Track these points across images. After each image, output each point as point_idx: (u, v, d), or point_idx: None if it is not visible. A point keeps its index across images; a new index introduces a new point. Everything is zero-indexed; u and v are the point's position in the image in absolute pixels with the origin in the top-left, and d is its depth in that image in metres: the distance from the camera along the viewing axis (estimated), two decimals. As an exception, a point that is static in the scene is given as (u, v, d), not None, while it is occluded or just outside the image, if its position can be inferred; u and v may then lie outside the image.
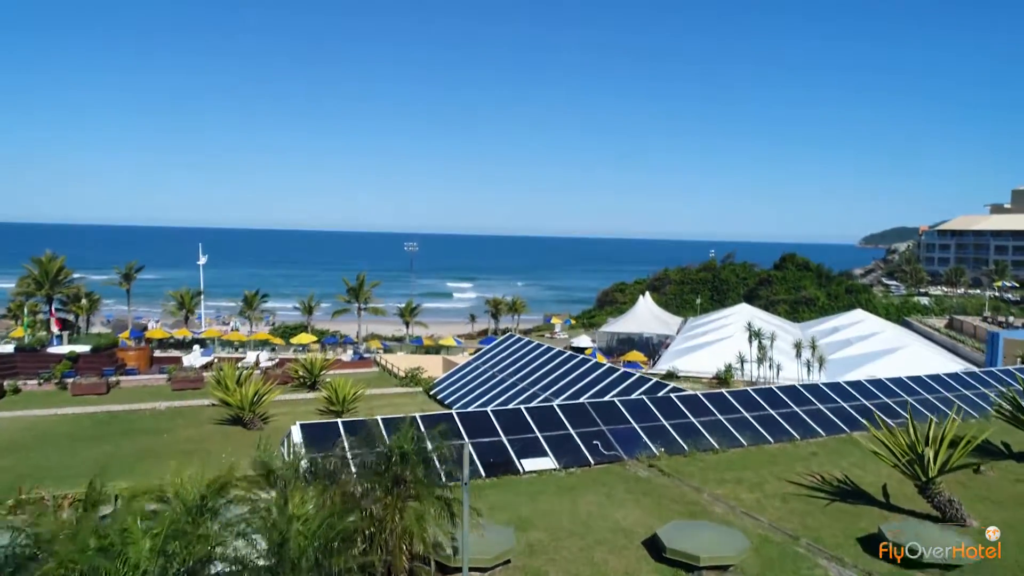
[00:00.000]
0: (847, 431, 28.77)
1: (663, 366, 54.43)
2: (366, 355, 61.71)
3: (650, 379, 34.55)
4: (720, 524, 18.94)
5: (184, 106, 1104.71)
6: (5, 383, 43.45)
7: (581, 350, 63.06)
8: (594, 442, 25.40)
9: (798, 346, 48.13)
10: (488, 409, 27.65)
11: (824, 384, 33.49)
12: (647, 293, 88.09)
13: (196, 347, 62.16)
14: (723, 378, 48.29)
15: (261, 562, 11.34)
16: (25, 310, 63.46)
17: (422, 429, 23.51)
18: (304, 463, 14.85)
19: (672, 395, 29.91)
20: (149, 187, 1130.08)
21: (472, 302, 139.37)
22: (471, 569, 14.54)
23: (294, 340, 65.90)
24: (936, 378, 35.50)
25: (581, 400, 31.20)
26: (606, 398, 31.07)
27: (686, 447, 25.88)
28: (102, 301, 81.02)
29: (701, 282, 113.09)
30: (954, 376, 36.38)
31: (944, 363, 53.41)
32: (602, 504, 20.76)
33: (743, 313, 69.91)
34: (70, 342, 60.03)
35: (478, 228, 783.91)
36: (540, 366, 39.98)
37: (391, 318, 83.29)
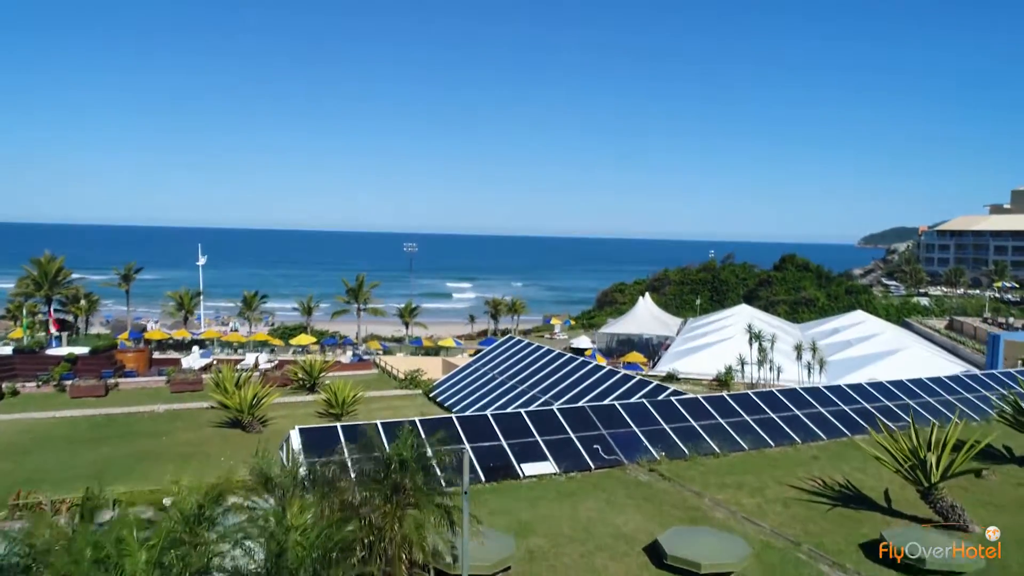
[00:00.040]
0: (848, 434, 28.68)
1: (663, 368, 54.34)
2: (365, 357, 61.59)
3: (650, 382, 34.44)
4: (721, 530, 18.83)
5: (184, 106, 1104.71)
6: (3, 385, 43.32)
7: (581, 351, 62.96)
8: (594, 446, 25.31)
9: (799, 348, 48.02)
10: (488, 413, 27.55)
11: (825, 387, 33.41)
12: (647, 294, 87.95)
13: (195, 348, 62.04)
14: (723, 380, 48.20)
15: (259, 573, 11.23)
16: (24, 311, 63.30)
17: (422, 434, 23.44)
18: (303, 470, 14.74)
19: (672, 398, 29.81)
20: (149, 187, 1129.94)
21: (471, 302, 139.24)
22: (471, 577, 14.43)
23: (293, 341, 65.76)
24: (937, 381, 35.40)
25: (581, 403, 31.08)
26: (606, 401, 30.96)
27: (687, 451, 25.78)
28: (101, 301, 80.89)
29: (701, 283, 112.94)
30: (955, 379, 36.29)
31: (945, 365, 53.33)
32: (602, 509, 20.66)
33: (743, 314, 69.80)
34: (69, 343, 59.88)
35: (478, 228, 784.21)
36: (540, 368, 39.86)
37: (390, 319, 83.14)
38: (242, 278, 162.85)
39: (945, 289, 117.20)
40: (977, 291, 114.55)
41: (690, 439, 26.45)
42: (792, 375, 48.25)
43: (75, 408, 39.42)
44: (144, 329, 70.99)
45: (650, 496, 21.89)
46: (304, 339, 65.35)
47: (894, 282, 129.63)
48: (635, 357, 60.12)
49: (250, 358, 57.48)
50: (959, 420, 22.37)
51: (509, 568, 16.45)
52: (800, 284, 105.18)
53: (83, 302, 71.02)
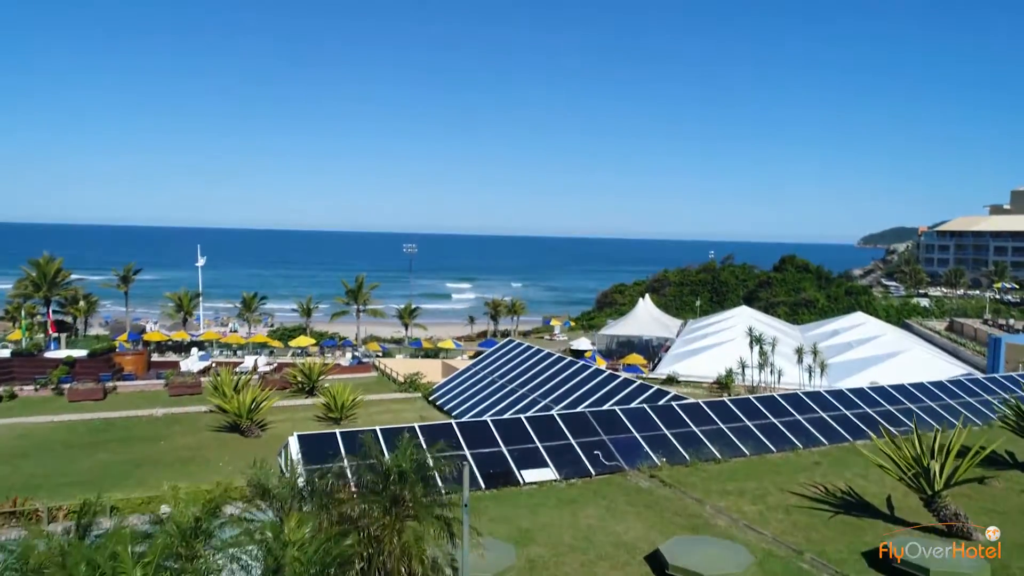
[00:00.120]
0: (850, 440, 28.51)
1: (663, 370, 54.20)
2: (365, 359, 61.44)
3: (651, 386, 34.29)
4: (723, 539, 18.69)
5: (184, 107, 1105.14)
6: (1, 389, 43.14)
7: (580, 353, 62.79)
8: (595, 452, 25.16)
9: (799, 351, 47.91)
10: (488, 419, 27.40)
11: (826, 391, 33.26)
12: (647, 295, 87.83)
13: (194, 350, 61.94)
14: (724, 383, 48.06)
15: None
16: (23, 312, 63.13)
17: (421, 441, 23.29)
18: (301, 480, 14.58)
19: (673, 403, 29.66)
20: (149, 188, 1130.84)
21: (471, 303, 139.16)
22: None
23: (293, 343, 65.65)
24: (939, 385, 35.27)
25: (581, 408, 30.97)
26: (606, 406, 30.83)
27: (688, 457, 25.62)
28: (100, 302, 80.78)
29: (700, 284, 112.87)
30: (957, 383, 36.15)
31: (945, 367, 53.20)
32: (603, 517, 20.51)
33: (743, 316, 69.69)
34: (68, 345, 59.79)
35: (477, 228, 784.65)
36: (539, 372, 39.71)
37: (390, 320, 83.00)
38: (241, 279, 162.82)
39: (945, 290, 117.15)
40: (977, 292, 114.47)
41: (691, 445, 26.30)
42: (793, 378, 48.12)
43: (73, 412, 39.23)
44: (143, 330, 70.88)
45: (651, 503, 21.74)
46: (303, 341, 65.25)
47: (894, 283, 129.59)
48: (635, 359, 60.01)
49: (249, 361, 57.36)
50: (962, 427, 22.22)
51: (509, 578, 16.31)
52: (800, 285, 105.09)
53: (82, 303, 70.89)
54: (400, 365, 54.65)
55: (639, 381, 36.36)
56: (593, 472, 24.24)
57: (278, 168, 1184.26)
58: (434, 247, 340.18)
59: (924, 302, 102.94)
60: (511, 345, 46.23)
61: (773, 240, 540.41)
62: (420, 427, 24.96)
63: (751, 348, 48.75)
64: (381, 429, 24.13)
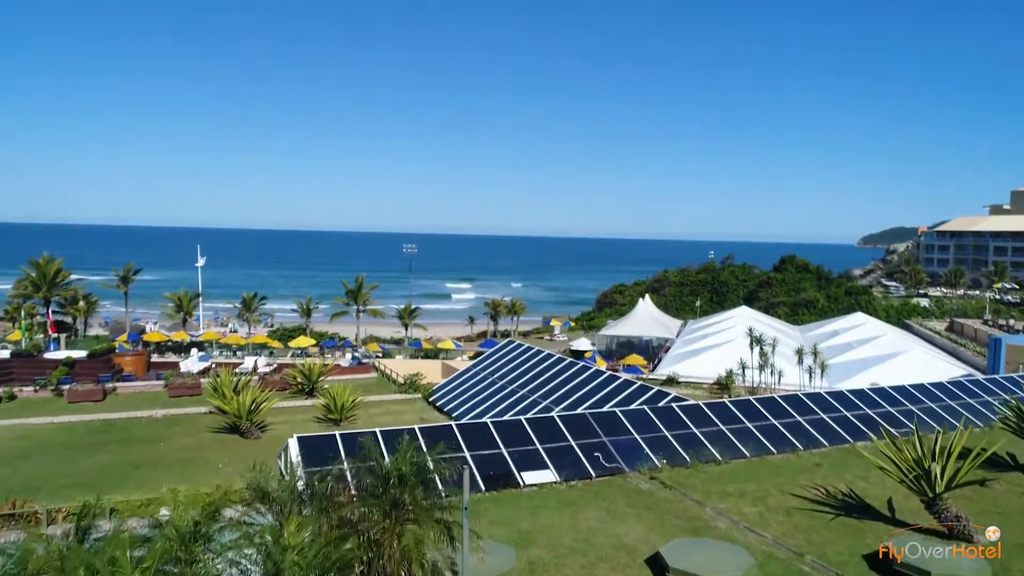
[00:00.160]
0: (851, 441, 28.47)
1: (663, 371, 54.16)
2: (365, 360, 61.39)
3: (651, 388, 34.24)
4: (723, 541, 18.65)
5: (184, 108, 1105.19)
6: (1, 390, 43.10)
7: (580, 353, 62.76)
8: (595, 454, 25.12)
9: (799, 352, 47.89)
10: (488, 420, 27.36)
11: (827, 392, 33.22)
12: (647, 296, 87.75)
13: (194, 351, 61.90)
14: (724, 384, 48.02)
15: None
16: (22, 313, 63.07)
17: (421, 443, 23.24)
18: (301, 484, 14.54)
19: (673, 404, 29.61)
20: (149, 188, 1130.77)
21: (471, 303, 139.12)
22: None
23: (292, 343, 65.58)
24: (939, 386, 35.22)
25: (581, 409, 30.93)
26: (607, 408, 30.79)
27: (688, 458, 25.58)
28: (100, 303, 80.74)
29: (700, 284, 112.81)
30: (957, 384, 36.11)
31: (946, 368, 53.16)
32: (603, 519, 20.47)
33: (743, 316, 69.65)
34: (67, 345, 59.75)
35: (477, 228, 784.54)
36: (539, 373, 39.67)
37: (390, 320, 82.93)
38: (241, 278, 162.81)
39: (945, 290, 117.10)
40: (977, 292, 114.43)
41: (691, 446, 26.26)
42: (793, 379, 48.09)
43: (72, 413, 39.19)
44: (143, 331, 70.82)
45: (651, 505, 21.70)
46: (303, 341, 65.18)
47: (894, 283, 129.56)
48: (635, 360, 59.96)
49: (248, 362, 57.30)
50: (963, 427, 22.20)
51: (510, 581, 16.28)
52: (800, 285, 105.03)
53: (82, 303, 70.79)
54: (400, 366, 54.61)
55: (639, 382, 36.34)
56: (593, 474, 24.20)
57: (278, 168, 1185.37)
58: (434, 247, 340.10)
59: (924, 302, 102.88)
60: (511, 346, 46.19)
61: (773, 240, 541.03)
62: (420, 429, 24.92)
63: (751, 349, 48.72)
64: (381, 431, 24.11)
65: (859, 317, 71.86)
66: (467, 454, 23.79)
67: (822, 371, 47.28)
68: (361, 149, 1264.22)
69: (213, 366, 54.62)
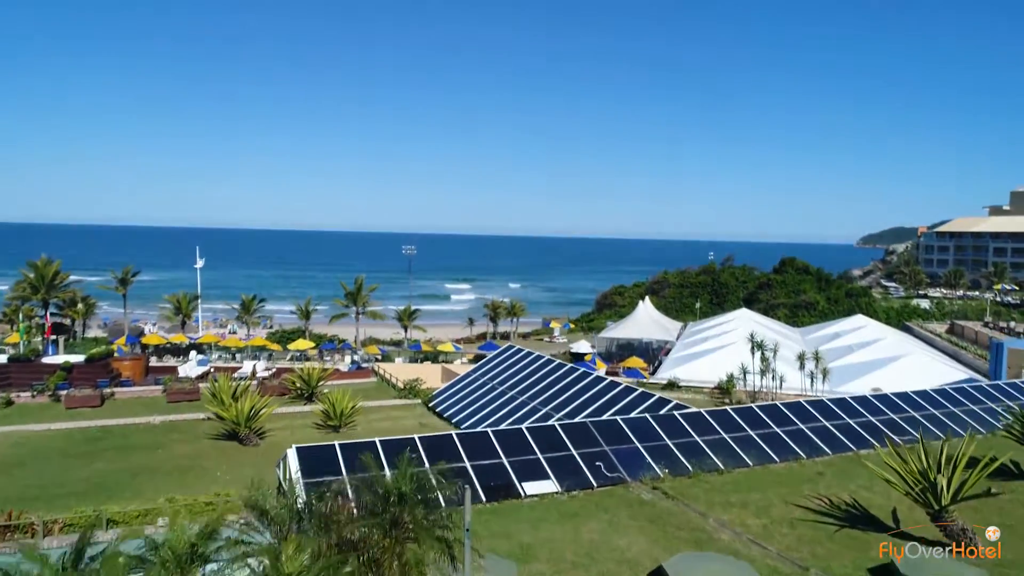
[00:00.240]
0: (854, 449, 28.30)
1: (664, 374, 53.94)
2: (364, 364, 61.13)
3: (652, 394, 33.98)
4: (727, 555, 18.42)
5: (184, 109, 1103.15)
6: (-2, 395, 42.80)
7: (580, 356, 62.57)
8: (597, 463, 24.91)
9: (801, 357, 47.67)
10: (488, 429, 27.15)
11: (830, 399, 33.02)
12: (647, 297, 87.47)
13: (193, 354, 61.60)
14: (725, 388, 47.78)
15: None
16: (20, 315, 62.76)
17: (422, 453, 23.04)
18: (300, 501, 14.32)
19: (675, 412, 29.41)
20: (149, 188, 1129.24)
21: (470, 303, 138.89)
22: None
23: (292, 346, 65.26)
24: (942, 392, 35.03)
25: (582, 416, 30.73)
26: (607, 415, 30.57)
27: (690, 467, 25.38)
28: (98, 304, 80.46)
29: (700, 285, 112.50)
30: (960, 390, 35.91)
31: (947, 371, 52.96)
32: (605, 532, 20.26)
33: (743, 318, 69.43)
34: (66, 347, 59.42)
35: (476, 228, 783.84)
36: (540, 379, 39.42)
37: (389, 322, 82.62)
38: (240, 279, 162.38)
39: (944, 291, 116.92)
40: (976, 293, 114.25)
41: (694, 455, 26.06)
42: (795, 383, 47.88)
43: (70, 420, 38.91)
44: (141, 333, 70.47)
45: (654, 517, 21.48)
46: (302, 344, 64.87)
47: (893, 283, 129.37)
48: (635, 362, 59.74)
49: (247, 366, 57.00)
50: (969, 437, 22.02)
51: (511, 598, 16.06)
52: (800, 287, 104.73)
53: (80, 305, 70.49)
54: (400, 370, 54.34)
55: (640, 389, 36.11)
56: (595, 484, 23.99)
57: (278, 168, 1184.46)
58: (433, 247, 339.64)
59: (924, 303, 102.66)
60: (511, 350, 45.95)
61: (773, 240, 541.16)
62: (420, 439, 24.70)
63: (752, 354, 48.48)
64: (381, 441, 23.89)
65: (859, 319, 71.63)
66: (468, 464, 23.59)
67: (824, 376, 47.07)
68: (361, 149, 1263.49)
69: (212, 370, 54.32)
